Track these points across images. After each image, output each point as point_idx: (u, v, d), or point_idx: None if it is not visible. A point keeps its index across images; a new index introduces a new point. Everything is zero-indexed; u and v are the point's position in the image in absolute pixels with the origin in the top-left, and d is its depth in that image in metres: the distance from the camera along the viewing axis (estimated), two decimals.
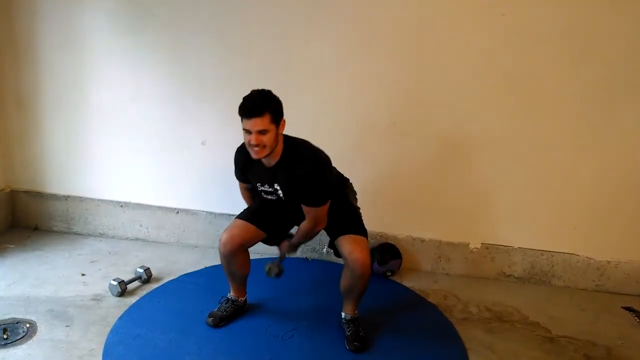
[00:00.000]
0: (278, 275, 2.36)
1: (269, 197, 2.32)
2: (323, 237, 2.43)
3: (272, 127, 2.05)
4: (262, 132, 2.04)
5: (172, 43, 3.00)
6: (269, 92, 2.09)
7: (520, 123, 2.87)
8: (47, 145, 3.27)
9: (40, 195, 3.36)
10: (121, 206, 3.31)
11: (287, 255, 2.43)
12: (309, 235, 2.35)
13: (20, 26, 3.07)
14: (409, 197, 3.08)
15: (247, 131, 2.06)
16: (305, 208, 2.23)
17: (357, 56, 2.88)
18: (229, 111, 2.98)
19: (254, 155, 2.12)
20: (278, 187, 2.23)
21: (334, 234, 2.33)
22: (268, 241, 2.46)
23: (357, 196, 2.49)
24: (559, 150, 2.89)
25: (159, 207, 3.29)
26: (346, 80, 2.92)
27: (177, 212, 3.29)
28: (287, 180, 2.18)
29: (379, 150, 3.01)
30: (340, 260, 2.34)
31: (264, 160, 2.18)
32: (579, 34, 2.70)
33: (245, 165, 2.30)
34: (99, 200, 3.32)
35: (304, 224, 2.30)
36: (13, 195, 3.38)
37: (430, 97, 2.90)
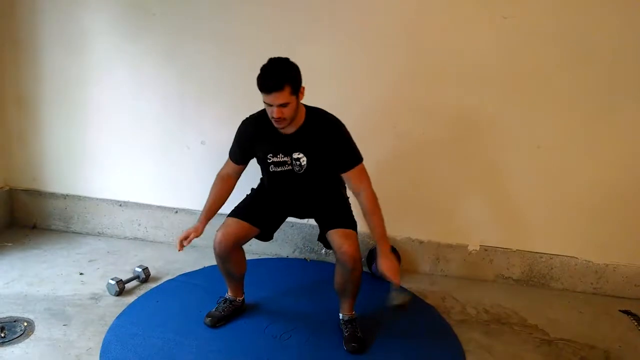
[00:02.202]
0: (406, 305, 2.21)
1: (280, 168, 2.26)
2: None
3: (293, 98, 2.05)
4: (283, 105, 2.03)
5: (172, 43, 3.00)
6: (286, 60, 2.07)
7: (520, 125, 2.87)
8: (46, 144, 3.27)
9: (39, 194, 3.36)
10: (120, 205, 3.31)
11: (395, 265, 2.21)
12: (378, 206, 2.21)
13: (21, 25, 3.07)
14: (408, 199, 3.09)
15: (268, 104, 2.06)
16: (348, 173, 2.20)
17: (357, 58, 2.89)
18: (228, 111, 3.02)
19: (277, 126, 2.12)
20: (300, 155, 2.21)
21: (324, 226, 2.33)
22: (262, 237, 2.46)
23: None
24: (558, 153, 2.89)
25: (158, 207, 3.29)
26: (345, 82, 2.92)
27: (176, 212, 3.29)
28: (313, 146, 2.19)
29: (378, 152, 3.00)
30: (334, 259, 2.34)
31: (282, 129, 2.17)
32: (578, 35, 2.70)
33: (255, 137, 2.26)
34: (97, 199, 3.32)
35: (365, 202, 2.18)
36: (12, 194, 3.38)
37: (429, 99, 2.90)
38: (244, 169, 2.38)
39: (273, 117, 2.08)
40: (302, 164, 2.23)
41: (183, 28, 2.96)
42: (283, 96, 2.01)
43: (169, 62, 3.03)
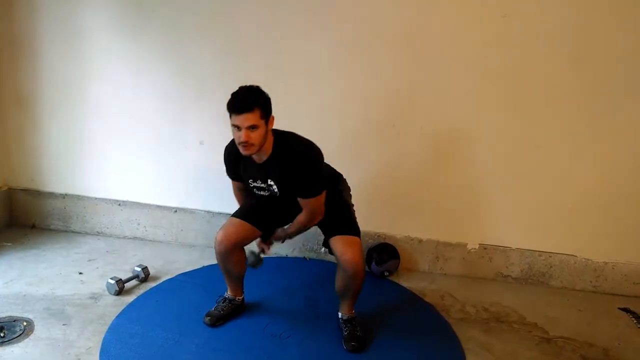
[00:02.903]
0: (255, 265, 2.39)
1: (262, 192, 2.29)
2: (322, 236, 2.43)
3: (262, 122, 2.03)
4: (252, 128, 2.01)
5: (171, 42, 3.00)
6: (258, 87, 2.07)
7: (519, 124, 2.88)
8: (45, 144, 3.26)
9: (38, 194, 3.35)
10: (119, 205, 3.31)
11: (273, 243, 2.46)
12: (303, 228, 2.33)
13: (20, 24, 3.06)
14: (407, 198, 3.09)
15: (237, 127, 2.04)
16: (302, 201, 2.22)
17: (357, 57, 2.89)
18: (227, 111, 3.01)
19: (243, 152, 2.09)
20: (272, 182, 2.21)
21: (327, 232, 2.33)
22: (263, 239, 2.46)
23: (351, 192, 2.48)
24: (557, 151, 2.89)
25: (157, 206, 3.29)
26: (345, 81, 2.92)
27: (175, 211, 3.28)
28: (280, 174, 2.17)
29: (377, 151, 3.01)
30: (335, 260, 2.34)
31: (255, 157, 2.17)
32: (578, 35, 2.70)
33: (236, 163, 2.29)
34: (96, 198, 3.32)
35: (301, 216, 2.27)
36: (11, 194, 3.38)
37: (429, 98, 2.90)
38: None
39: (240, 142, 2.05)
40: (275, 190, 2.24)
41: (182, 26, 2.96)
42: (253, 117, 2.00)
43: (168, 60, 3.03)
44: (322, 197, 2.22)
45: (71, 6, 2.99)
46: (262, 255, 2.42)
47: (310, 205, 2.22)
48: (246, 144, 2.04)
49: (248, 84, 2.08)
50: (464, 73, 2.83)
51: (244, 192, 2.47)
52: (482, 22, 2.75)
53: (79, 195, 3.33)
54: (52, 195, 3.34)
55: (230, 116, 2.05)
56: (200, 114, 3.08)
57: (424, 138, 2.96)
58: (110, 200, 3.31)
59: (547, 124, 2.85)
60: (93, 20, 3.01)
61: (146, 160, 3.22)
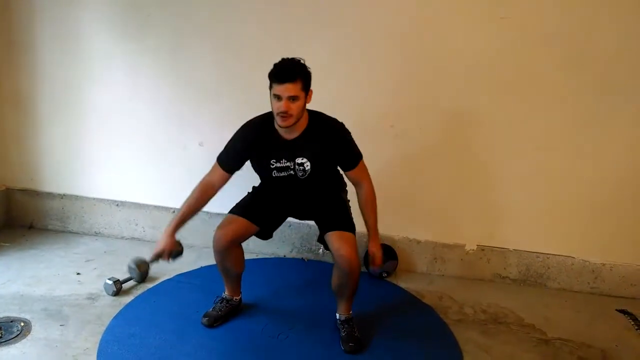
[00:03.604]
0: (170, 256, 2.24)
1: (282, 174, 2.24)
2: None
3: (302, 94, 2.05)
4: (292, 99, 2.02)
5: (169, 44, 3.00)
6: (300, 60, 2.08)
7: (517, 125, 2.88)
8: (43, 144, 3.26)
9: (36, 194, 3.35)
10: (117, 205, 3.31)
11: (380, 250, 2.41)
12: (374, 199, 2.33)
13: (18, 26, 3.06)
14: (405, 199, 3.09)
15: (277, 97, 2.03)
16: (352, 172, 2.28)
17: (355, 58, 2.89)
18: (226, 112, 3.02)
19: (280, 123, 2.07)
20: (304, 160, 2.20)
21: (323, 228, 2.33)
22: (261, 234, 2.46)
23: (347, 189, 2.48)
24: (555, 153, 2.90)
25: (155, 207, 3.29)
26: (344, 82, 2.92)
27: (173, 212, 3.27)
28: (318, 150, 2.19)
29: (375, 152, 2.98)
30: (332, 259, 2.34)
31: (285, 133, 2.15)
32: (577, 35, 2.71)
33: (256, 142, 2.20)
34: (94, 199, 3.32)
35: (364, 195, 2.30)
36: (9, 194, 3.37)
37: (427, 99, 2.90)
38: (229, 178, 2.27)
39: (280, 112, 2.04)
40: (306, 168, 2.22)
41: (181, 28, 2.96)
42: (295, 88, 2.01)
43: (167, 62, 3.03)
44: (364, 163, 2.30)
45: (70, 8, 2.99)
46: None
47: (361, 172, 2.29)
48: (285, 114, 2.04)
49: (290, 57, 2.07)
50: (463, 74, 2.83)
51: (210, 190, 2.26)
52: (481, 23, 2.75)
53: (77, 196, 3.33)
54: (50, 195, 3.34)
55: (270, 86, 2.05)
56: (200, 115, 3.08)
57: (421, 139, 2.96)
58: (108, 200, 3.31)
59: (545, 125, 2.86)
60: (92, 22, 3.01)
61: (145, 161, 3.22)
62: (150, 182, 3.26)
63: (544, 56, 2.75)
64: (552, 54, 2.74)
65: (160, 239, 2.25)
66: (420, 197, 3.08)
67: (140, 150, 3.20)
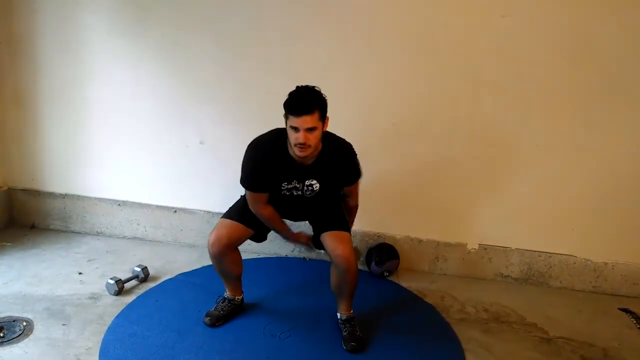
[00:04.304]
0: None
1: (290, 192, 2.25)
2: None
3: (320, 124, 2.04)
4: (310, 130, 2.00)
5: (171, 42, 2.99)
6: (315, 88, 2.06)
7: (519, 124, 2.88)
8: (45, 144, 3.26)
9: (37, 194, 3.35)
10: (119, 205, 3.31)
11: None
12: (355, 212, 2.53)
13: (19, 24, 3.06)
14: (407, 198, 3.09)
15: (295, 129, 2.01)
16: (350, 188, 2.38)
17: (356, 57, 2.88)
18: (227, 111, 3.02)
19: (299, 153, 2.06)
20: (314, 182, 2.23)
21: (318, 229, 2.34)
22: (256, 238, 2.46)
23: None
24: (557, 151, 2.89)
25: (157, 206, 3.29)
26: (345, 80, 2.92)
27: (175, 211, 3.28)
28: (329, 172, 2.22)
29: (377, 151, 3.01)
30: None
31: (299, 159, 2.13)
32: (577, 35, 2.70)
33: (268, 165, 2.17)
34: (96, 198, 3.32)
35: (352, 202, 2.46)
36: (10, 194, 3.37)
37: (429, 98, 2.90)
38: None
39: (298, 143, 2.02)
40: (315, 189, 2.26)
41: (182, 26, 2.95)
42: (312, 120, 1.99)
43: (168, 61, 3.03)
44: None
45: (71, 7, 2.99)
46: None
47: (356, 187, 2.40)
48: (303, 146, 2.03)
49: (304, 84, 2.06)
50: (464, 73, 2.83)
51: (272, 205, 2.30)
52: (483, 23, 2.74)
53: (78, 195, 3.33)
54: (52, 195, 3.34)
55: (287, 117, 2.03)
56: (200, 113, 3.07)
57: (423, 137, 2.96)
58: (110, 200, 3.31)
59: (547, 124, 2.85)
60: (93, 21, 3.01)
61: (146, 161, 3.22)
62: (152, 182, 3.26)
63: (547, 54, 2.74)
64: (554, 53, 2.74)
65: (293, 236, 2.46)
66: (421, 196, 3.08)
67: (141, 150, 3.20)
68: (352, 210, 2.50)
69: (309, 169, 2.20)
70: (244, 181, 2.23)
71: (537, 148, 2.89)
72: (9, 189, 3.37)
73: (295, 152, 2.07)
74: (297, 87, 2.06)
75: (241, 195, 2.47)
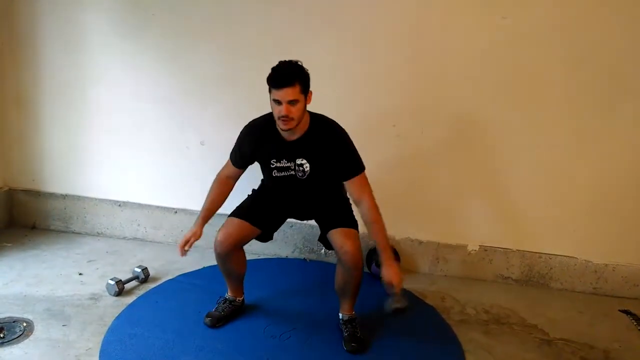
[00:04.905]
0: (404, 311, 2.12)
1: (283, 173, 2.27)
2: None
3: (302, 97, 2.06)
4: (292, 103, 2.03)
5: (171, 43, 3.00)
6: (297, 62, 2.08)
7: (519, 125, 2.88)
8: (45, 144, 3.27)
9: (38, 194, 3.36)
10: (119, 206, 3.31)
11: (398, 270, 2.14)
12: (380, 216, 2.18)
13: (20, 25, 3.07)
14: (407, 199, 3.08)
15: (277, 102, 2.04)
16: (351, 183, 2.20)
17: (356, 57, 2.89)
18: (228, 111, 3.02)
19: (282, 127, 2.09)
20: (303, 161, 2.21)
21: (325, 226, 2.33)
22: (262, 237, 2.46)
23: None
24: (557, 152, 2.89)
25: (157, 207, 3.29)
26: (345, 81, 2.92)
27: (176, 212, 3.28)
28: (317, 152, 2.19)
29: (377, 151, 3.00)
30: (336, 260, 2.33)
31: (287, 134, 2.16)
32: (578, 35, 2.71)
33: (259, 141, 2.25)
34: (97, 199, 3.32)
35: (367, 212, 2.16)
36: (11, 194, 3.38)
37: (430, 99, 2.90)
38: (242, 172, 2.37)
39: (280, 116, 2.06)
40: (305, 169, 2.24)
41: (183, 28, 2.96)
42: (293, 92, 2.02)
43: (169, 62, 3.03)
44: (365, 175, 2.23)
45: (72, 8, 3.00)
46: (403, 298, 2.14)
47: (362, 184, 2.21)
48: (286, 118, 2.05)
49: (287, 59, 2.08)
50: (464, 74, 2.83)
51: (226, 183, 2.36)
52: (482, 23, 2.75)
53: (79, 196, 3.33)
54: (52, 195, 3.35)
55: (270, 90, 2.06)
56: (201, 114, 3.08)
57: (424, 138, 2.96)
58: (110, 201, 3.31)
59: (547, 125, 2.85)
60: (94, 22, 3.01)
61: (146, 161, 3.22)
62: (152, 182, 3.27)
63: (547, 55, 2.75)
64: (554, 53, 2.74)
65: (189, 230, 2.31)
66: (422, 197, 3.07)
67: (142, 150, 3.20)
68: (372, 225, 2.16)
69: (296, 147, 2.20)
70: (231, 150, 2.34)
71: (537, 149, 2.89)
72: (9, 189, 3.37)
73: (279, 125, 2.11)
74: (280, 61, 2.08)
75: (248, 195, 2.49)
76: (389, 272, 2.12)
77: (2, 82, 3.17)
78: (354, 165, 2.22)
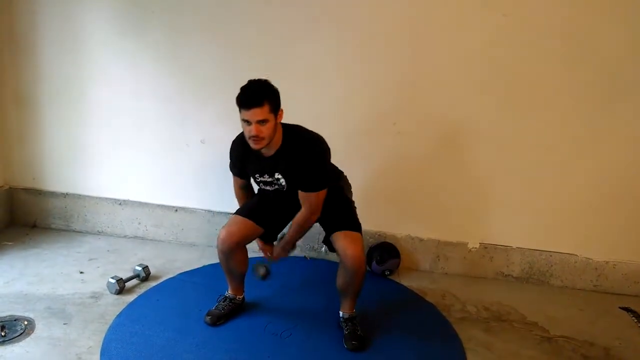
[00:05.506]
0: (265, 277, 2.42)
1: (268, 187, 2.30)
2: (322, 235, 2.43)
3: (271, 116, 2.05)
4: (261, 122, 2.03)
5: (171, 41, 3.00)
6: (266, 81, 2.08)
7: (520, 123, 2.87)
8: (46, 143, 3.27)
9: (38, 193, 3.36)
10: (120, 204, 3.31)
11: (283, 255, 2.45)
12: (304, 227, 2.30)
13: (20, 23, 3.06)
14: (408, 197, 3.09)
15: (247, 122, 2.05)
16: (302, 195, 2.21)
17: (357, 56, 2.88)
18: (228, 109, 2.99)
19: (253, 146, 2.10)
20: (280, 176, 2.22)
21: (329, 229, 2.33)
22: (265, 237, 2.46)
23: (352, 189, 2.49)
24: (557, 150, 2.89)
25: (158, 205, 3.29)
26: (345, 80, 2.92)
27: (176, 210, 3.28)
28: (288, 166, 2.19)
29: (378, 150, 3.01)
30: (336, 258, 2.34)
31: (263, 150, 2.17)
32: (578, 34, 2.70)
33: (243, 157, 2.30)
34: (97, 198, 3.32)
35: (299, 215, 2.27)
36: (12, 193, 3.38)
37: (429, 97, 2.90)
38: (248, 180, 2.43)
39: (251, 136, 2.06)
40: (282, 184, 2.25)
41: (183, 26, 2.95)
42: (262, 112, 2.02)
43: (169, 60, 3.03)
44: (323, 194, 2.21)
45: (72, 7, 2.99)
46: (269, 267, 2.43)
47: (310, 200, 2.20)
48: (256, 138, 2.06)
49: (256, 78, 2.08)
50: (464, 72, 2.83)
51: (244, 191, 2.50)
52: (482, 21, 2.74)
53: (80, 195, 3.33)
54: (53, 194, 3.35)
55: (239, 110, 2.07)
56: (201, 113, 3.08)
57: (424, 137, 2.96)
58: (111, 199, 3.32)
59: (548, 123, 2.85)
60: (94, 21, 3.01)
61: (147, 160, 3.22)
62: (153, 181, 3.27)
63: (548, 54, 2.74)
64: (554, 52, 2.74)
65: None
66: (422, 195, 3.07)
67: (142, 149, 3.20)
68: (296, 224, 2.30)
69: (273, 162, 2.21)
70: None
71: (537, 147, 2.89)
72: (10, 188, 3.37)
73: (250, 144, 2.11)
74: (249, 80, 2.09)
75: (254, 194, 2.49)
76: (275, 249, 2.44)
77: (1, 81, 3.17)
78: (313, 182, 2.18)
